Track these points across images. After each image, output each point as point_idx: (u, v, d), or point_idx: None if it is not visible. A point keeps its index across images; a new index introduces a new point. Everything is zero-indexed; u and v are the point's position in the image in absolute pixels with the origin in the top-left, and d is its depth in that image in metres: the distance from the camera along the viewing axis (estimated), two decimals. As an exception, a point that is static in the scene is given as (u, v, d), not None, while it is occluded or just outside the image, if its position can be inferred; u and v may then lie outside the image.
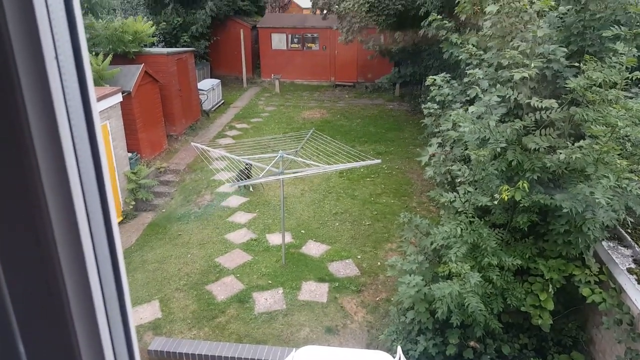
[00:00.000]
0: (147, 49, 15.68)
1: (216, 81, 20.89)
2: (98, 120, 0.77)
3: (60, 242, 0.72)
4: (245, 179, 10.48)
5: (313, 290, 8.86)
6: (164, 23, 21.18)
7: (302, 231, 10.88)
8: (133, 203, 12.12)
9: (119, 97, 11.67)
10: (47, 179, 0.68)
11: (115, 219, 0.84)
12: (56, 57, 0.67)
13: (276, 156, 8.86)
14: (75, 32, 0.71)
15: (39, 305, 0.74)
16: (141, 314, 8.30)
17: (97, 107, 0.77)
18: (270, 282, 9.10)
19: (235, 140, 16.51)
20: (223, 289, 8.92)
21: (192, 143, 10.60)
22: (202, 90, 19.01)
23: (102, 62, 12.84)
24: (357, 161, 9.57)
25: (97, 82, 12.52)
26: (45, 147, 0.67)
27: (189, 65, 17.17)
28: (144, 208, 12.36)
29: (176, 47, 20.35)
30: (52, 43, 0.66)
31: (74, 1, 0.70)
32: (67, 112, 0.70)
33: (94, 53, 13.31)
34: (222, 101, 21.14)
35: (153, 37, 16.68)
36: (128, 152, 12.51)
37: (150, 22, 15.96)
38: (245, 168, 11.26)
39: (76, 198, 0.73)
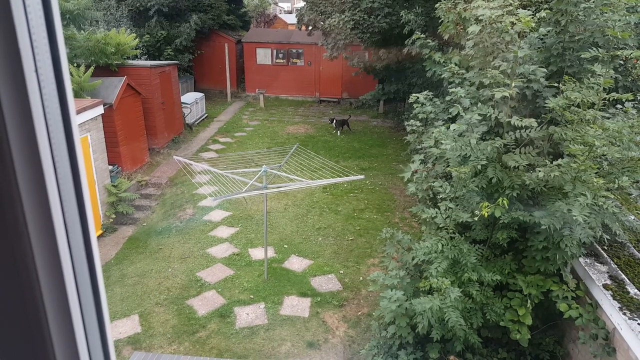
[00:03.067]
0: (130, 62, 15.60)
1: (200, 95, 20.84)
2: (77, 134, 0.77)
3: (39, 256, 0.72)
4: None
5: (295, 305, 8.81)
6: (148, 36, 21.14)
7: (285, 246, 10.84)
8: (113, 216, 11.98)
9: (100, 110, 11.58)
10: (26, 193, 0.68)
11: (94, 233, 0.83)
12: (36, 71, 0.67)
13: (260, 170, 8.84)
14: (56, 46, 0.71)
15: (15, 320, 0.73)
16: (120, 328, 8.17)
17: (76, 121, 0.77)
18: (252, 296, 9.03)
19: (218, 154, 16.46)
20: (204, 304, 8.83)
21: (175, 157, 10.54)
22: (186, 103, 18.95)
23: (84, 73, 12.72)
24: (340, 177, 9.60)
25: (78, 94, 12.40)
26: (23, 161, 0.67)
27: (172, 79, 17.13)
28: (125, 221, 12.21)
29: (160, 60, 20.30)
30: (32, 56, 0.67)
31: (55, 14, 0.70)
32: (47, 125, 0.70)
33: (75, 64, 13.20)
34: (206, 115, 21.09)
35: (136, 49, 16.61)
36: (109, 164, 12.39)
37: (134, 35, 15.90)
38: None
39: (55, 212, 0.73)
